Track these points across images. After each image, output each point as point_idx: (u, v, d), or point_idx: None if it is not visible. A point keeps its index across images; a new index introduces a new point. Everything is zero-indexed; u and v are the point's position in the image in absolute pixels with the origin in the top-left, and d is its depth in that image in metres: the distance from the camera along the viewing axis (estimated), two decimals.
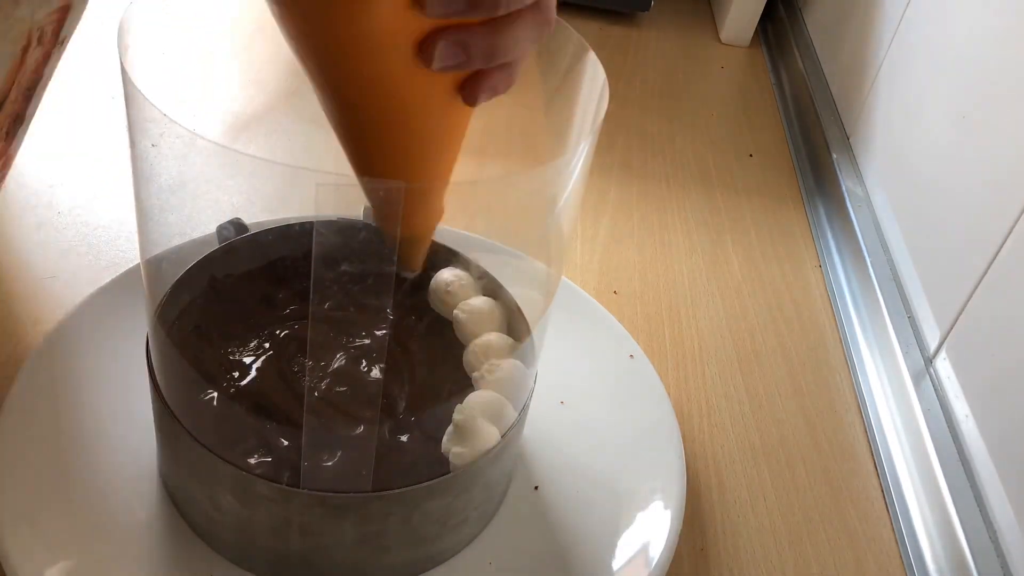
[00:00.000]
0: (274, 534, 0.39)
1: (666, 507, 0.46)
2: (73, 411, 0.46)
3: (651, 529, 0.45)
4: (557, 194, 0.39)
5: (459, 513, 0.41)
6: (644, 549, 0.44)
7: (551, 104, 0.45)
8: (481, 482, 0.41)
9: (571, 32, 0.40)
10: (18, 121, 0.48)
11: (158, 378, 0.40)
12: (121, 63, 0.33)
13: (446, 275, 0.49)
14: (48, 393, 0.46)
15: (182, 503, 0.42)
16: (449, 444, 0.41)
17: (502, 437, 0.41)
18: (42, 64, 0.48)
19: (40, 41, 0.47)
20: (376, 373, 0.45)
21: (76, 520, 0.41)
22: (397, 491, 0.38)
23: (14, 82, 0.46)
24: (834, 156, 0.79)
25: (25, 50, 0.46)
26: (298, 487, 0.37)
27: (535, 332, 0.45)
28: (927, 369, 0.56)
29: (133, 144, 0.36)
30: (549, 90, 0.44)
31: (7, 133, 0.47)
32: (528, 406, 0.44)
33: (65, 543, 0.40)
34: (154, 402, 0.41)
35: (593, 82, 0.38)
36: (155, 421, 0.42)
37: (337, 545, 0.39)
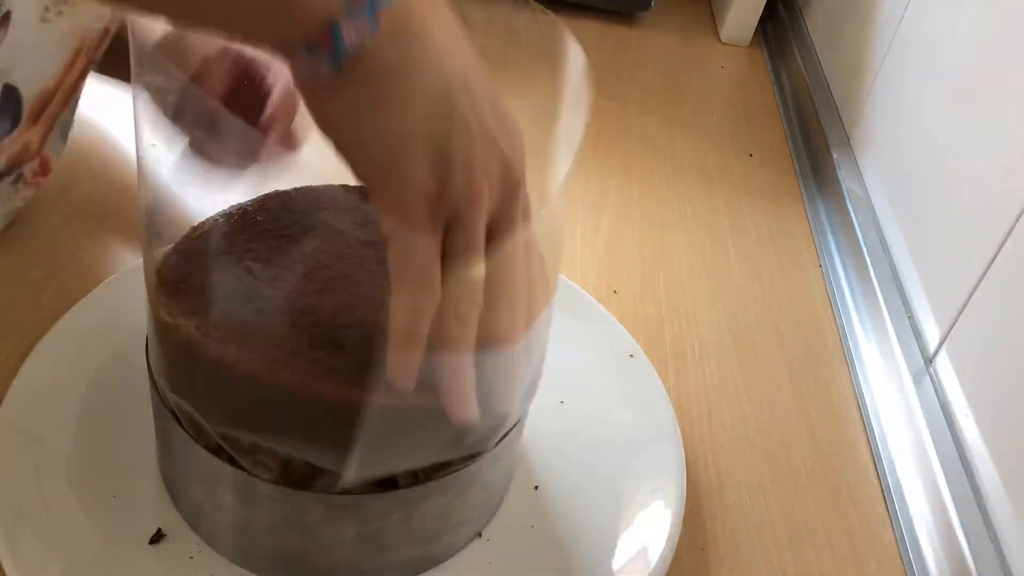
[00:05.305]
0: (274, 534, 0.39)
1: (666, 507, 0.46)
2: (73, 410, 0.46)
3: (651, 529, 0.45)
4: (548, 184, 0.39)
5: (459, 513, 0.41)
6: (644, 549, 0.44)
7: (531, 86, 0.44)
8: (481, 482, 0.41)
9: (551, 17, 0.39)
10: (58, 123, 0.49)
11: (157, 378, 0.40)
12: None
13: None
14: (48, 392, 0.46)
15: (182, 503, 0.42)
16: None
17: (502, 437, 0.41)
18: (80, 76, 0.49)
19: (87, 53, 0.48)
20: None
21: (76, 520, 0.41)
22: (397, 491, 0.38)
23: (63, 81, 0.47)
24: (834, 156, 0.79)
25: (77, 53, 0.47)
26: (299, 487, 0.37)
27: None
28: (927, 369, 0.56)
29: (134, 144, 0.36)
30: (536, 79, 0.43)
31: (42, 139, 0.48)
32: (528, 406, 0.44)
33: (65, 543, 0.40)
34: (154, 402, 0.41)
35: (575, 66, 0.38)
36: (155, 421, 0.42)
37: (337, 545, 0.39)
